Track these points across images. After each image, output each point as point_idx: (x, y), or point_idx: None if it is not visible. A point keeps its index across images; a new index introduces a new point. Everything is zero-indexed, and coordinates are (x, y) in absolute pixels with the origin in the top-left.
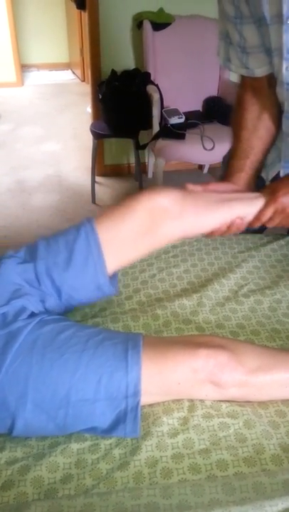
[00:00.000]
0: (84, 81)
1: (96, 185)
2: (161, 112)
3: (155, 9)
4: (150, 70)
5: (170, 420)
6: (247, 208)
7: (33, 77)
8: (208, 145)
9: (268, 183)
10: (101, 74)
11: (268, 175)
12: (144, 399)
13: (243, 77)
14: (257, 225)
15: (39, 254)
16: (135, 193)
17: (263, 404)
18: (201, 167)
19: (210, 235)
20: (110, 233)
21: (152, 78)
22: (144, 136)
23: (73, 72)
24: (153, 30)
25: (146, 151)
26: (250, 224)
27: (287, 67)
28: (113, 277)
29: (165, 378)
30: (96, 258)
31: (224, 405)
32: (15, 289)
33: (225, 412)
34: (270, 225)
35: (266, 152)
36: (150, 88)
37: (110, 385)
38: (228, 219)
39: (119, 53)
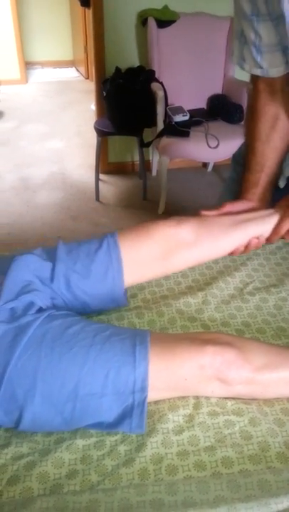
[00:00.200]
0: (88, 78)
1: (100, 182)
2: (166, 110)
3: (160, 6)
4: (155, 68)
5: (175, 417)
6: (262, 227)
7: (37, 74)
8: (213, 143)
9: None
10: (105, 71)
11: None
12: (151, 394)
13: (255, 81)
14: (275, 239)
15: (59, 257)
16: (139, 191)
17: (269, 402)
18: (205, 165)
19: (230, 254)
20: (130, 252)
21: (157, 76)
22: (148, 134)
23: (77, 70)
24: (158, 28)
25: (150, 148)
26: (269, 240)
27: None
28: (125, 291)
29: (172, 374)
30: (116, 272)
31: (229, 403)
32: (24, 284)
33: (230, 410)
34: (288, 238)
35: (281, 163)
36: (154, 86)
37: (118, 380)
38: (244, 240)
39: (124, 51)
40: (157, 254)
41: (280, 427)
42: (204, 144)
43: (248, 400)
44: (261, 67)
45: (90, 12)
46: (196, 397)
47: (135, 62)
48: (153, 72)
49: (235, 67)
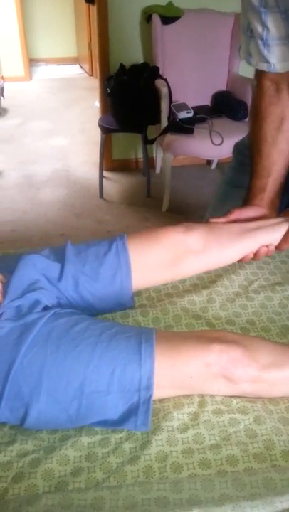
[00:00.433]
0: (92, 75)
1: (104, 179)
2: (170, 107)
3: (164, 3)
4: (159, 64)
5: (180, 415)
6: (271, 235)
7: (41, 71)
8: (217, 140)
9: None
10: (109, 68)
11: None
12: (157, 392)
13: (260, 79)
14: (285, 248)
15: (68, 258)
16: (143, 188)
17: (274, 400)
18: (209, 162)
19: (238, 261)
20: (139, 256)
21: (161, 72)
22: (152, 131)
23: (81, 67)
24: (162, 24)
25: (154, 145)
26: (278, 248)
27: None
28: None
29: (178, 372)
30: (124, 276)
31: (234, 401)
32: (30, 283)
33: (235, 408)
34: None
35: (288, 165)
36: (159, 82)
37: (123, 378)
38: (253, 248)
39: (128, 47)
40: (166, 260)
41: (285, 426)
42: (208, 141)
43: (253, 399)
44: (268, 62)
45: (94, 9)
46: (201, 395)
47: (139, 58)
48: (157, 68)
49: (240, 64)
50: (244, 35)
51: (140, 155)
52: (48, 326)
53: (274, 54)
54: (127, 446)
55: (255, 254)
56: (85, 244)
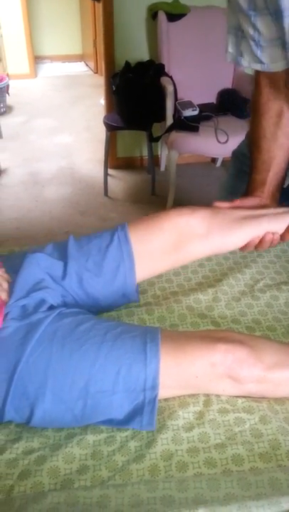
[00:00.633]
0: (97, 73)
1: (108, 177)
2: (175, 104)
3: (170, 0)
4: (164, 62)
5: (186, 414)
6: (276, 224)
7: (46, 68)
8: (222, 138)
9: None
10: (114, 65)
11: None
12: (162, 392)
13: (257, 76)
14: (288, 238)
15: (70, 254)
16: (147, 186)
17: (279, 400)
18: (214, 160)
19: (241, 249)
20: (141, 245)
21: (166, 70)
22: (157, 129)
23: (86, 64)
24: (168, 21)
25: (159, 143)
26: (282, 238)
27: None
28: (137, 287)
29: (183, 371)
30: (127, 268)
31: (240, 400)
32: (36, 282)
33: (241, 408)
34: None
35: (287, 160)
36: (164, 80)
37: (129, 377)
38: (257, 235)
39: (133, 45)
40: (168, 245)
41: None
42: (213, 138)
43: (259, 398)
44: (261, 62)
45: (99, 6)
46: (207, 395)
47: (145, 56)
48: (163, 66)
49: None
50: (233, 35)
51: (145, 153)
52: (54, 325)
53: (267, 55)
54: (132, 444)
55: (260, 242)
56: (87, 237)
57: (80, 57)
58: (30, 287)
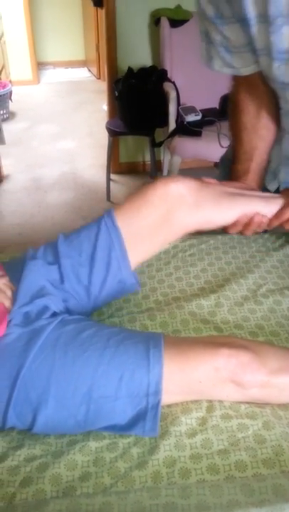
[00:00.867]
0: (99, 78)
1: (111, 182)
2: (178, 110)
3: (173, 6)
4: (167, 67)
5: (188, 420)
6: (266, 206)
7: (49, 74)
8: (225, 142)
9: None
10: (117, 71)
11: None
12: (165, 398)
13: (234, 76)
14: (275, 224)
15: (62, 253)
16: (150, 184)
17: (283, 405)
18: (216, 165)
19: (229, 229)
20: (130, 226)
21: (169, 75)
22: (159, 134)
23: (89, 70)
24: (170, 27)
25: (161, 148)
26: (271, 222)
27: (279, 66)
28: (134, 274)
29: (186, 376)
30: (119, 253)
31: (243, 406)
32: (38, 289)
33: (244, 413)
34: (288, 227)
35: (270, 151)
36: (167, 85)
37: (132, 383)
38: (247, 214)
39: (136, 50)
40: (157, 218)
41: None
42: (216, 143)
43: (262, 404)
44: (233, 67)
45: (102, 12)
46: (209, 401)
47: (148, 62)
48: (165, 71)
49: None
50: (204, 42)
51: (148, 158)
52: (56, 332)
53: (238, 59)
54: (134, 451)
55: (248, 223)
56: (76, 231)
57: (83, 63)
58: (33, 294)
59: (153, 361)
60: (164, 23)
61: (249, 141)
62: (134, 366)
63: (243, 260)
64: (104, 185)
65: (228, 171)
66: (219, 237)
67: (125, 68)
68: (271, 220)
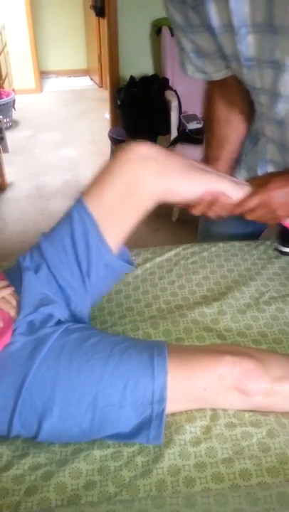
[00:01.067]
0: (102, 87)
1: None
2: (180, 118)
3: None
4: (168, 76)
5: (193, 429)
6: (234, 189)
7: (52, 83)
8: None
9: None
10: (119, 80)
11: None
12: (169, 406)
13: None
14: (237, 212)
15: (47, 254)
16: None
17: (287, 413)
18: None
19: (193, 208)
20: (99, 205)
21: (170, 84)
22: (161, 142)
23: (91, 79)
24: (171, 36)
25: None
26: (234, 208)
27: (248, 73)
28: (123, 252)
29: (191, 384)
30: (96, 238)
31: (247, 414)
32: (42, 297)
33: (248, 422)
34: (249, 217)
35: (242, 143)
36: (168, 94)
37: (136, 391)
38: (214, 191)
39: (138, 59)
40: (123, 189)
41: None
42: None
43: (266, 412)
44: (204, 72)
45: (104, 21)
46: (214, 409)
47: (149, 70)
48: (167, 80)
49: None
50: (178, 47)
51: None
52: (61, 340)
53: (209, 65)
54: (139, 459)
55: (212, 202)
56: (55, 227)
57: (85, 72)
58: (37, 302)
59: (157, 369)
60: (166, 32)
61: (221, 132)
62: (138, 374)
63: (244, 268)
64: None
65: None
66: (221, 244)
67: (127, 77)
68: (234, 206)
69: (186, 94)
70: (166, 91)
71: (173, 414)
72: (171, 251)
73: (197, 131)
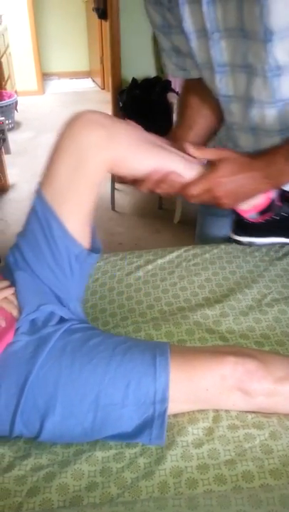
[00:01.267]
0: (104, 89)
1: (116, 192)
2: None
3: None
4: (171, 78)
5: (195, 430)
6: (186, 167)
7: (54, 85)
8: None
9: None
10: (121, 82)
11: None
12: (172, 406)
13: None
14: (185, 193)
15: (26, 254)
16: (154, 200)
17: None
18: None
19: (140, 185)
20: (54, 189)
21: (173, 86)
22: None
23: (93, 81)
24: None
25: None
26: (182, 188)
27: (220, 80)
28: (94, 239)
29: (193, 385)
30: (59, 232)
31: (250, 416)
32: (39, 296)
33: (250, 423)
34: (193, 201)
35: (210, 134)
36: (171, 96)
37: (138, 391)
38: (164, 168)
39: (140, 61)
40: (72, 166)
41: None
42: None
43: (269, 414)
44: (184, 69)
45: (106, 24)
46: (216, 410)
47: (151, 72)
48: (169, 82)
49: None
50: (159, 47)
51: None
52: (63, 340)
53: (188, 63)
54: (141, 461)
55: (161, 180)
56: (25, 222)
57: (88, 74)
58: (36, 301)
59: (159, 369)
60: None
61: (192, 115)
62: (140, 374)
63: (246, 270)
64: (109, 194)
65: None
66: (222, 246)
67: (129, 79)
68: (181, 187)
69: None
70: (169, 93)
71: (175, 416)
72: (172, 253)
73: None
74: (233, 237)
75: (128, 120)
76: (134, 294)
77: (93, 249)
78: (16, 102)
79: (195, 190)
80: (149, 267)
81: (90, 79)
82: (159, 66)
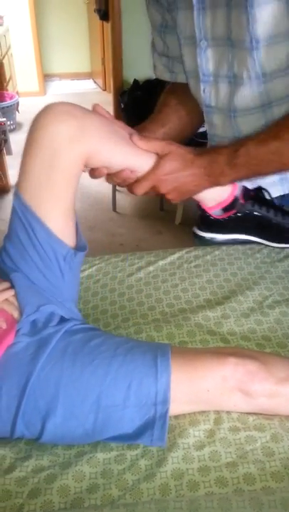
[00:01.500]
0: (105, 90)
1: (117, 193)
2: None
3: None
4: None
5: (196, 432)
6: (138, 159)
7: (55, 86)
8: None
9: None
10: (123, 83)
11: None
12: (173, 407)
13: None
14: (133, 190)
15: (13, 256)
16: (156, 201)
17: None
18: None
19: (93, 173)
20: (31, 188)
21: None
22: None
23: (95, 82)
24: None
25: None
26: (131, 187)
27: (204, 89)
28: (80, 237)
29: (194, 385)
30: (44, 234)
31: (251, 418)
32: (38, 297)
33: (252, 425)
34: (136, 195)
35: (181, 137)
36: None
37: (140, 392)
38: (124, 165)
39: (142, 63)
40: (46, 160)
41: None
42: None
43: (270, 416)
44: (172, 72)
45: (108, 25)
46: (217, 412)
47: (153, 74)
48: None
49: None
50: (151, 49)
51: None
52: (64, 341)
53: (176, 66)
54: (142, 463)
55: (115, 174)
56: (9, 225)
57: (89, 75)
58: (36, 302)
59: (161, 370)
60: None
61: (168, 114)
62: (142, 375)
63: (248, 271)
64: (110, 195)
65: None
66: (224, 247)
67: (131, 80)
68: (135, 184)
69: None
70: None
71: (176, 418)
72: (174, 254)
73: (201, 134)
74: (196, 232)
75: (96, 108)
76: (135, 296)
77: (79, 247)
78: (18, 103)
79: (141, 188)
80: (151, 268)
81: (91, 80)
82: None
